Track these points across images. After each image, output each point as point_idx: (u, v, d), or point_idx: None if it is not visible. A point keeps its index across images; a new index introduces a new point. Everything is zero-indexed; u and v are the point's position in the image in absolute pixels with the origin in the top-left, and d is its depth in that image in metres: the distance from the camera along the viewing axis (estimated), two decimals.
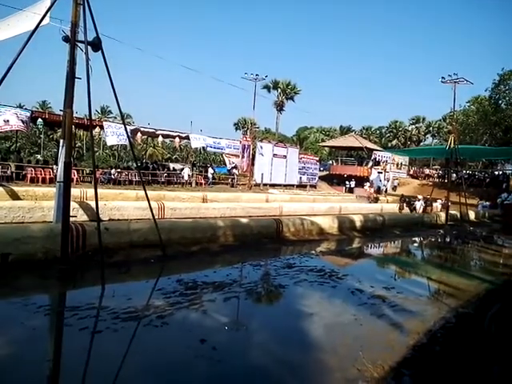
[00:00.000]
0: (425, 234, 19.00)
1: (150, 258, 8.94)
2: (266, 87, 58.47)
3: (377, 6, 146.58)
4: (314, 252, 12.06)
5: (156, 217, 10.27)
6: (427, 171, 54.28)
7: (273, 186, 34.93)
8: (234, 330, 5.63)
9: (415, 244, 17.04)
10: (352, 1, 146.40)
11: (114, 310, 5.74)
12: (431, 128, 74.74)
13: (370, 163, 46.20)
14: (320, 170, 46.63)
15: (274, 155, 37.01)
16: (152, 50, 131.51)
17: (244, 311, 6.65)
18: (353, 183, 42.52)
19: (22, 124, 21.35)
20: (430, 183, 41.71)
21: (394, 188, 44.15)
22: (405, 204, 25.40)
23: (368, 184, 42.75)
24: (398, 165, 50.23)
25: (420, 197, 26.79)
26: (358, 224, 16.35)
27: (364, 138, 59.34)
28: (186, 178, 29.86)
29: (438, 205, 26.44)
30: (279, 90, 60.17)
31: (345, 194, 38.05)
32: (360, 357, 4.81)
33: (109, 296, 6.57)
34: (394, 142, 74.28)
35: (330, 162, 55.02)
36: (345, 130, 76.65)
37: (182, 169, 33.65)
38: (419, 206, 25.03)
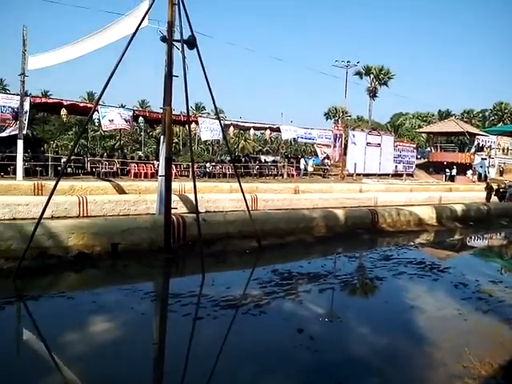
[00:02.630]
0: None
1: (246, 249, 9.17)
2: (358, 73, 56.67)
3: None
4: (412, 244, 11.56)
5: (249, 208, 10.48)
6: None
7: (366, 175, 33.96)
8: (330, 320, 5.59)
9: None
10: None
11: (214, 297, 5.98)
12: None
13: (473, 149, 43.02)
14: (417, 158, 44.39)
15: (368, 144, 35.92)
16: (242, 43, 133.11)
17: (340, 302, 6.58)
18: (454, 171, 39.83)
19: (125, 123, 22.89)
20: None
21: (501, 173, 40.64)
22: (493, 193, 22.59)
23: (470, 171, 39.90)
24: (504, 150, 46.21)
25: (509, 183, 23.80)
26: (459, 214, 15.33)
27: (465, 122, 55.35)
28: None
29: None
30: (372, 76, 58.07)
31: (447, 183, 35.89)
32: (465, 353, 4.52)
33: (208, 284, 6.86)
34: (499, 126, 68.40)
35: (428, 149, 52.09)
36: (444, 115, 72.09)
37: (273, 161, 33.95)
38: (508, 194, 22.25)
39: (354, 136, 35.05)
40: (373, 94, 57.77)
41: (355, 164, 33.89)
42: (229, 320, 5.40)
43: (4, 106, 19.71)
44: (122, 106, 28.19)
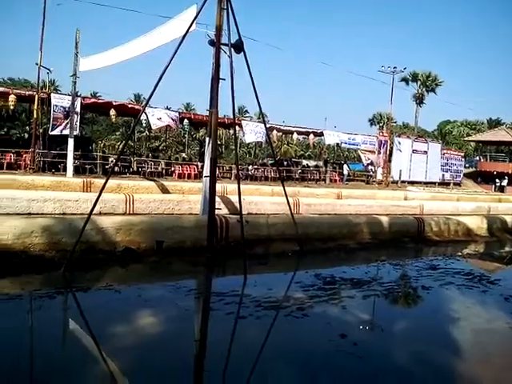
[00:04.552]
0: None
1: (287, 252, 9.12)
2: (404, 80, 55.44)
3: None
4: (460, 254, 11.19)
5: (292, 212, 10.41)
6: None
7: (412, 183, 33.16)
8: (374, 327, 5.47)
9: None
10: None
11: (256, 298, 5.97)
12: None
13: None
14: (465, 167, 42.92)
15: (414, 151, 35.08)
16: (288, 47, 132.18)
17: (385, 310, 6.43)
18: (505, 181, 38.20)
19: (171, 121, 23.40)
20: None
21: None
22: None
23: None
24: None
25: None
26: (510, 225, 14.66)
27: None
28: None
29: None
30: (419, 83, 56.70)
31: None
32: None
33: (250, 285, 6.88)
34: None
35: (477, 158, 50.25)
36: (494, 124, 69.35)
37: (316, 165, 33.67)
38: None
39: (399, 143, 34.32)
40: (419, 100, 56.24)
41: (400, 171, 33.16)
42: (271, 321, 5.39)
43: (56, 106, 20.61)
44: (168, 108, 28.74)
